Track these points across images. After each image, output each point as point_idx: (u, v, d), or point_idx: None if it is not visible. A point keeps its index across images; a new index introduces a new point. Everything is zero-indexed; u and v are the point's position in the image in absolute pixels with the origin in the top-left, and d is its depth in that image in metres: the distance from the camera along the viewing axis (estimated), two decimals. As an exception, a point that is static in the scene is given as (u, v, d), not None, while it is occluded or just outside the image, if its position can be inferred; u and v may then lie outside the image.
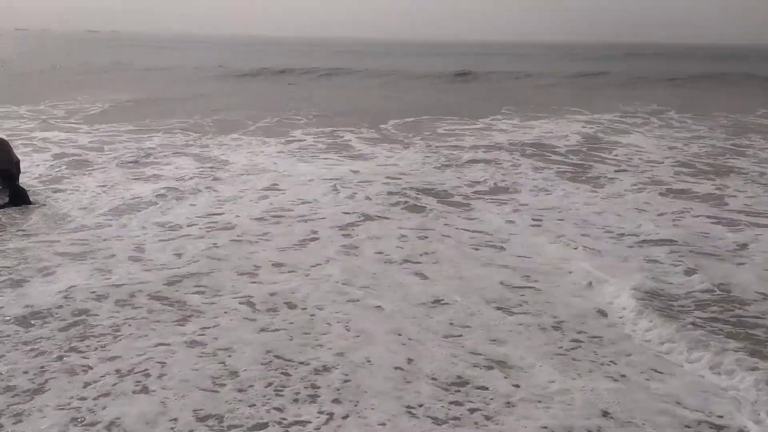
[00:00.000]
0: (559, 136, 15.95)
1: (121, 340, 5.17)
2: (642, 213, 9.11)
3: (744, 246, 7.63)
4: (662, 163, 12.86)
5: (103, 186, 10.43)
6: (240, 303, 5.93)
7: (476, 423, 4.12)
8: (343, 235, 8.03)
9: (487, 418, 4.18)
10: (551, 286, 6.42)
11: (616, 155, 13.67)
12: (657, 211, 9.21)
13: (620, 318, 5.67)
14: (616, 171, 12.02)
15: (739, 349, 4.95)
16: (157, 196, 9.78)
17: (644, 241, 7.85)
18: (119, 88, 27.57)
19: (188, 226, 8.32)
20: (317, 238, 7.90)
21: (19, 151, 10.68)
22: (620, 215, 8.96)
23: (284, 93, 27.85)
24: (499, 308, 5.86)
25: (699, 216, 8.96)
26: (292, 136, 15.95)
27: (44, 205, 9.20)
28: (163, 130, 16.54)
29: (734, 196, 10.10)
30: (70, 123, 17.95)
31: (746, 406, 4.28)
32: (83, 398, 4.33)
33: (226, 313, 5.70)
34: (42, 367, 4.70)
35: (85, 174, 11.33)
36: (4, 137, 9.73)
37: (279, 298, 6.04)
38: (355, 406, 4.28)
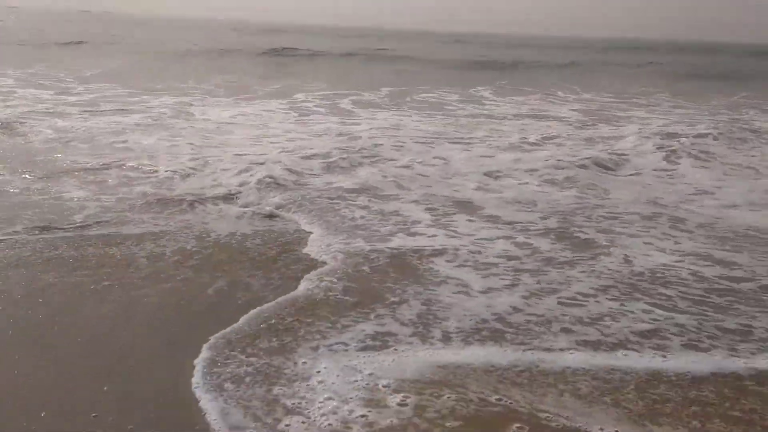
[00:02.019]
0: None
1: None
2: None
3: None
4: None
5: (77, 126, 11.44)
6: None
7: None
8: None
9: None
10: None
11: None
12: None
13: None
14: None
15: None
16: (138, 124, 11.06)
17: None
18: (115, 58, 28.55)
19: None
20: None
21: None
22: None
23: (284, 69, 28.68)
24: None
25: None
26: (295, 99, 16.94)
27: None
28: (157, 92, 17.46)
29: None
30: (61, 83, 18.97)
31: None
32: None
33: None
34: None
35: (56, 117, 12.26)
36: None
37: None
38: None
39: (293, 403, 3.26)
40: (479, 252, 5.63)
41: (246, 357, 3.69)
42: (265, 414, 3.18)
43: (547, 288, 4.89)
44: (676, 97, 21.55)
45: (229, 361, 3.65)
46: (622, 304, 4.65)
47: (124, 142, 9.98)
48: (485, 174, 8.77)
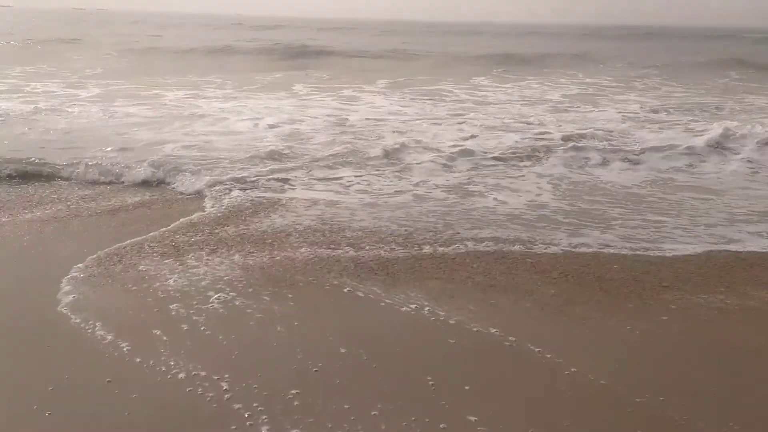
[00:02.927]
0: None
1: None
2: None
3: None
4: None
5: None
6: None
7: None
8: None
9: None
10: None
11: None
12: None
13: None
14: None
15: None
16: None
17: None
18: (114, 55, 30.31)
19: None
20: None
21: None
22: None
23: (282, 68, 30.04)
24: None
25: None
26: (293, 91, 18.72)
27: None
28: (167, 87, 19.23)
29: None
30: (69, 79, 20.45)
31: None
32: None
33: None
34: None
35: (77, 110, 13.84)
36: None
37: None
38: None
39: (171, 293, 4.76)
40: (356, 200, 7.30)
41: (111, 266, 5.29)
42: (146, 296, 4.72)
43: (358, 211, 6.82)
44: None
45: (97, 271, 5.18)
46: (395, 223, 6.48)
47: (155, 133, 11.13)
48: (439, 146, 10.24)
